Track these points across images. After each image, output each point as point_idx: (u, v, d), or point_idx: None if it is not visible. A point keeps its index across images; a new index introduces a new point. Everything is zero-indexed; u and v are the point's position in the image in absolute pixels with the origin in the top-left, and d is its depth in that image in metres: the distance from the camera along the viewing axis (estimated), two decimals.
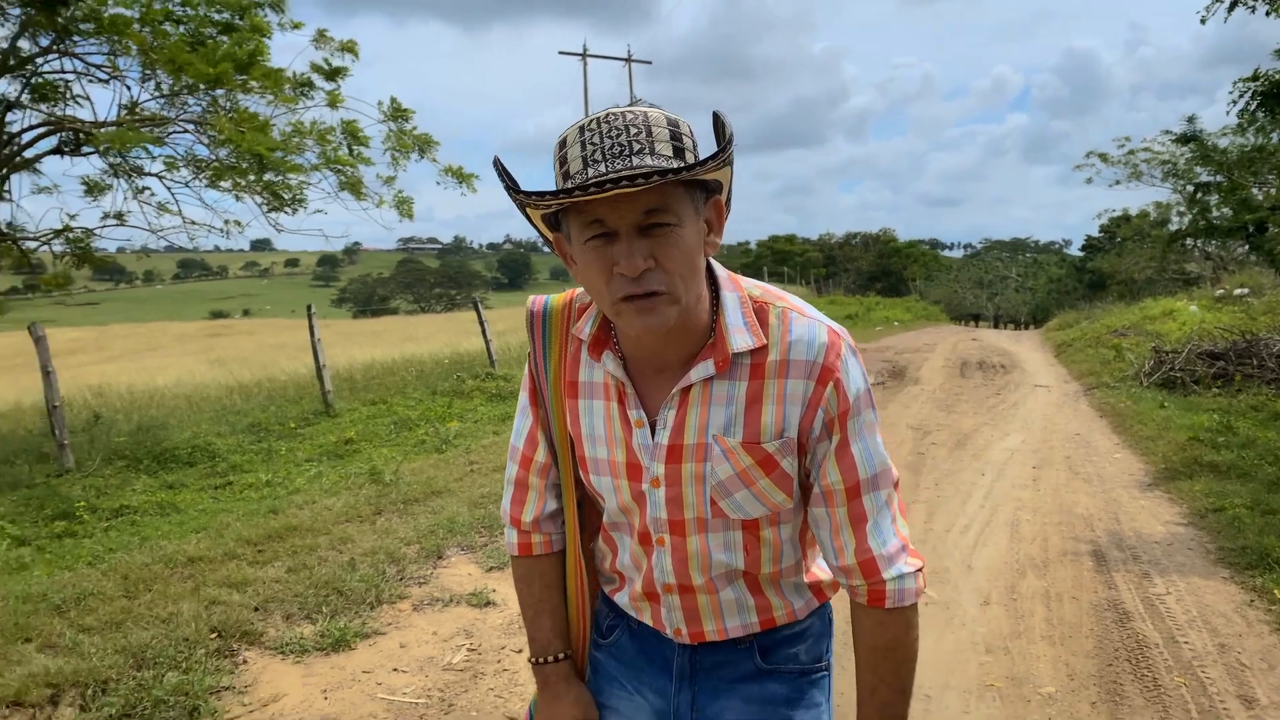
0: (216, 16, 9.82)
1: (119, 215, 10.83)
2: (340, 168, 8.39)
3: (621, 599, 1.37)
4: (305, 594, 4.13)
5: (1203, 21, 9.99)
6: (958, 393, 10.69)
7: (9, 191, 10.34)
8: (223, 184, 9.81)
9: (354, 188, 8.61)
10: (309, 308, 10.56)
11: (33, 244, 10.97)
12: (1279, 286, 20.61)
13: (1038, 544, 4.79)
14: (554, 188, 1.09)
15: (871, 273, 64.57)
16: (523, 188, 1.08)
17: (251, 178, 8.15)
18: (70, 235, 10.77)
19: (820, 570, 1.34)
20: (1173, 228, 32.90)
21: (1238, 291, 19.94)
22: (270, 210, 8.70)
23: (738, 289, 1.22)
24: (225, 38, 9.83)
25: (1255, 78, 11.39)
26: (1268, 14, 8.05)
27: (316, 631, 3.77)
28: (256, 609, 3.95)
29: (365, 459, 7.53)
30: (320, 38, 10.45)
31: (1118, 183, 32.20)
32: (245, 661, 3.51)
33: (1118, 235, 43.32)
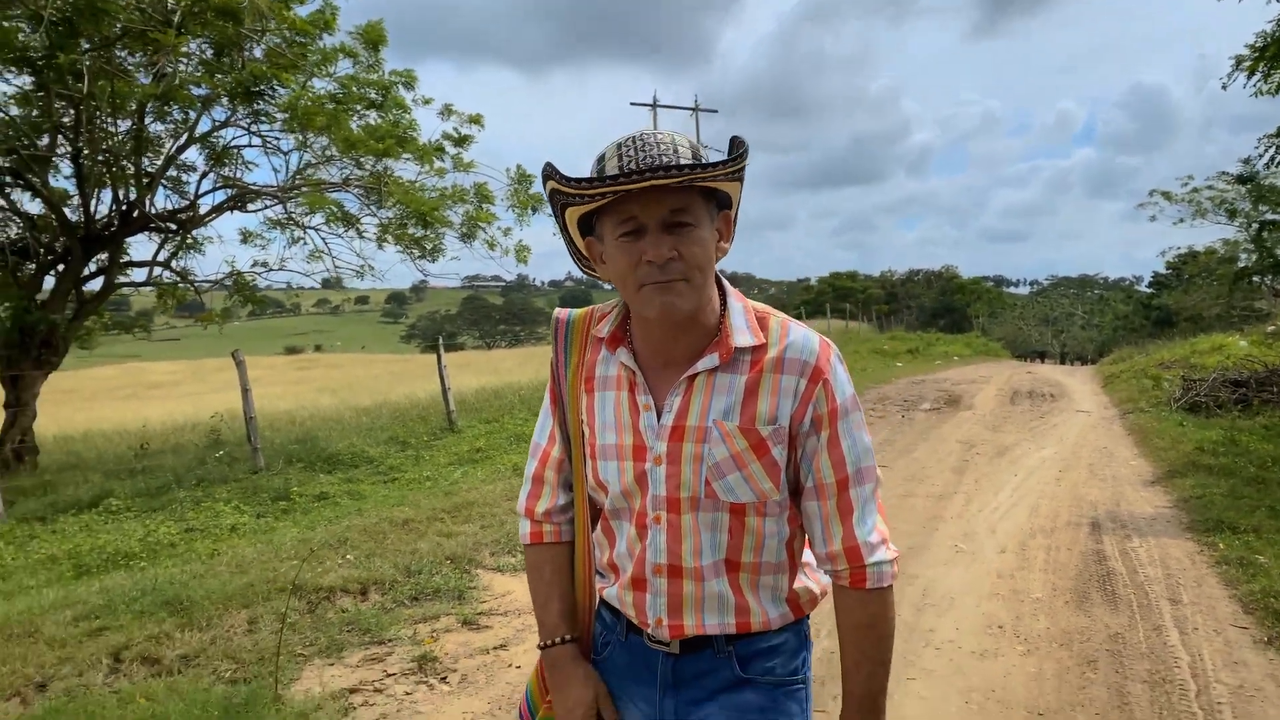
0: (361, 92, 11.78)
1: (272, 263, 12.88)
2: (480, 224, 10.17)
3: (611, 593, 1.46)
4: (501, 539, 5.73)
5: (1224, 88, 11.23)
6: (1005, 416, 11.96)
7: (191, 242, 12.41)
8: (366, 234, 11.76)
9: (487, 241, 10.40)
10: (439, 340, 12.37)
11: (205, 285, 13.04)
12: None
13: (1049, 518, 6.17)
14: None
15: (934, 309, 64.96)
16: (570, 184, 1.26)
17: (410, 231, 9.95)
18: (238, 279, 12.80)
19: (800, 584, 1.44)
20: (1241, 265, 33.21)
21: None
22: (417, 258, 10.52)
23: (743, 301, 1.41)
24: (373, 111, 11.79)
25: None
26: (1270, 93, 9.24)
27: (518, 561, 5.34)
28: (471, 547, 5.56)
29: (500, 461, 9.16)
30: (447, 111, 12.36)
31: (1181, 221, 32.62)
32: (478, 575, 5.11)
33: (1185, 272, 43.14)
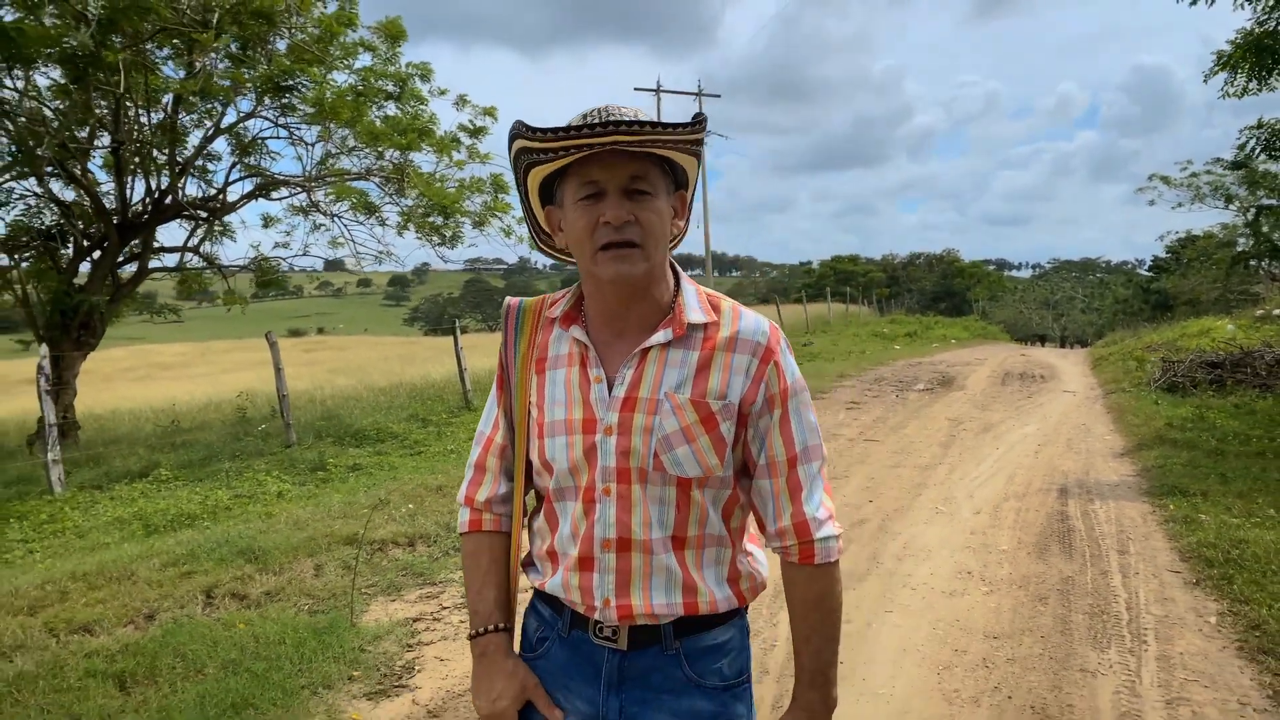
0: (380, 85, 12.33)
1: (295, 248, 13.51)
2: (497, 214, 10.79)
3: (555, 583, 1.45)
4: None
5: (1205, 81, 11.75)
6: (995, 396, 12.59)
7: (220, 228, 13.00)
8: (388, 221, 12.36)
9: (504, 229, 11.03)
10: (455, 323, 12.98)
11: (232, 269, 13.64)
12: None
13: (1023, 485, 6.80)
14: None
15: (935, 293, 65.48)
16: (536, 134, 1.30)
17: (431, 220, 10.56)
18: (262, 263, 13.43)
19: (741, 567, 1.46)
20: (1238, 249, 33.67)
21: (1276, 312, 21.24)
22: (436, 245, 11.14)
23: (695, 285, 1.46)
24: (390, 103, 12.36)
25: (1260, 126, 13.10)
26: (1253, 90, 9.72)
27: None
28: None
29: None
30: (461, 101, 12.92)
31: (1180, 205, 32.99)
32: None
33: (1183, 256, 43.46)
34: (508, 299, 1.55)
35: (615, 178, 1.32)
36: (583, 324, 1.45)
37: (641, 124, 1.25)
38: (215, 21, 9.22)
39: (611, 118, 1.27)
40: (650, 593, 1.38)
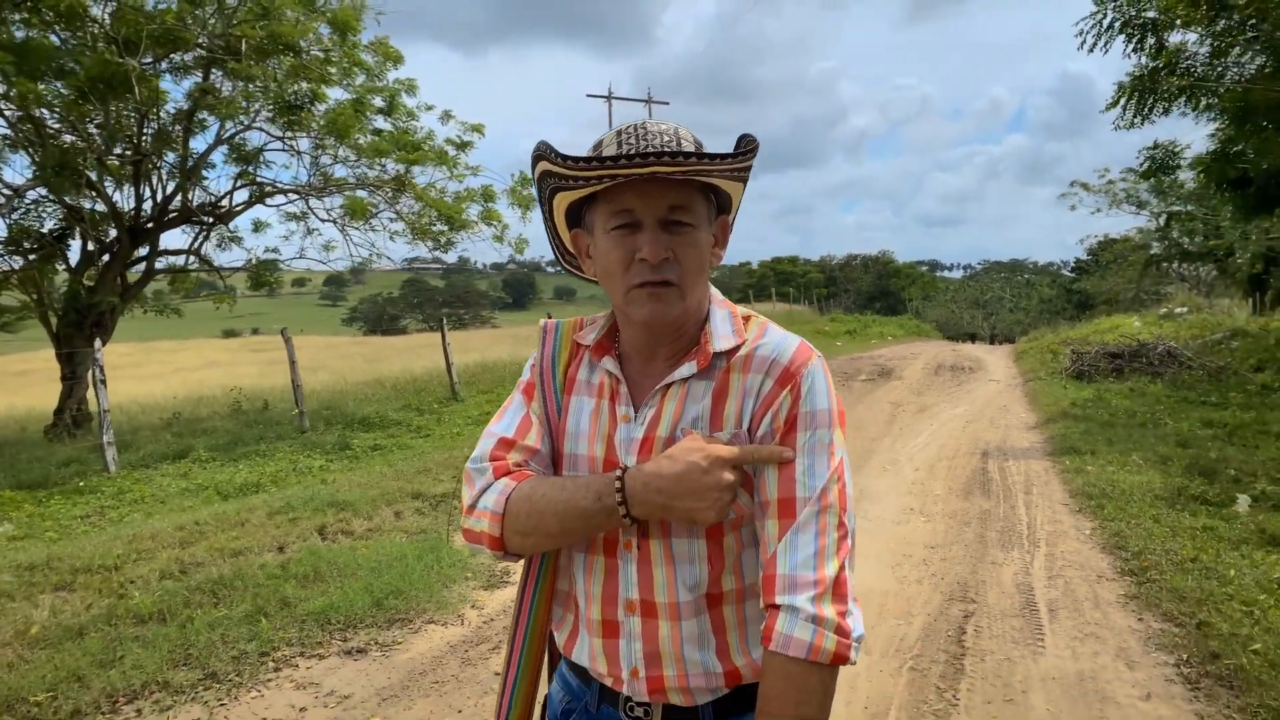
0: (370, 100, 13.40)
1: (289, 252, 14.50)
2: (491, 223, 12.00)
3: (580, 652, 1.30)
4: None
5: (1103, 112, 13.44)
6: (929, 384, 14.21)
7: (229, 234, 13.92)
8: (387, 227, 13.45)
9: (496, 236, 12.25)
10: (442, 320, 14.09)
11: (227, 270, 14.56)
12: (1213, 307, 24.26)
13: (953, 451, 8.30)
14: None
15: (871, 293, 67.96)
16: (567, 163, 1.14)
17: (435, 228, 11.72)
18: (255, 266, 14.39)
19: None
20: (1152, 252, 36.34)
21: (1178, 311, 23.50)
22: (433, 249, 12.29)
23: (729, 307, 1.31)
24: (380, 116, 13.43)
25: (1155, 147, 14.92)
26: (1137, 124, 11.40)
27: None
28: None
29: None
30: (446, 116, 14.05)
31: (1098, 210, 35.44)
32: None
33: (1102, 259, 46.17)
34: (544, 320, 1.47)
35: (653, 208, 1.19)
36: (615, 355, 1.33)
37: (686, 155, 1.12)
38: (242, 49, 10.23)
39: (651, 148, 1.16)
40: (685, 664, 1.22)
